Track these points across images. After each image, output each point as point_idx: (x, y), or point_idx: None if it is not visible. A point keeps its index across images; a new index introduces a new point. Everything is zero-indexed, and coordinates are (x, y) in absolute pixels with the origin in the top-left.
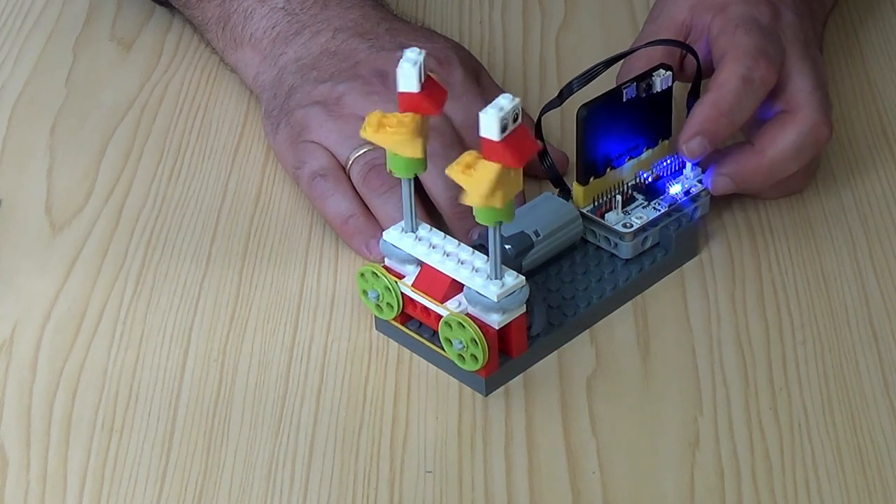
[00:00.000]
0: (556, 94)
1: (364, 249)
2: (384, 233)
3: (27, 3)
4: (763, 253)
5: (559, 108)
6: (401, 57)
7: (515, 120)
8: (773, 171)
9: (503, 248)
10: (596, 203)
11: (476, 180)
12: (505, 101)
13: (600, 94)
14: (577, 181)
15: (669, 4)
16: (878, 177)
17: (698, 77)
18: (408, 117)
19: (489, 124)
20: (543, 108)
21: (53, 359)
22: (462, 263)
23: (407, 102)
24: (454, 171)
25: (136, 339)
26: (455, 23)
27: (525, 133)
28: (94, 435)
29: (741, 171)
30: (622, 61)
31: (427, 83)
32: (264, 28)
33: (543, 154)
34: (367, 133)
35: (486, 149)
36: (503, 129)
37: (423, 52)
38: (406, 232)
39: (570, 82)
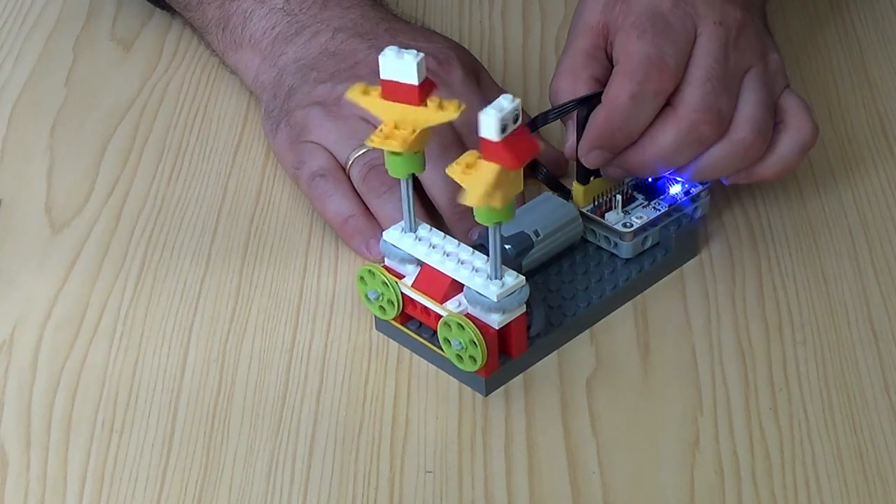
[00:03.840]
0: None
1: (364, 249)
2: (384, 233)
3: (27, 3)
4: (763, 253)
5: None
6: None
7: (516, 121)
8: (655, 167)
9: (503, 248)
10: (596, 203)
11: (475, 180)
12: (505, 102)
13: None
14: (577, 181)
15: (583, 6)
16: (878, 177)
17: None
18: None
19: (489, 125)
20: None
21: (53, 359)
22: (462, 263)
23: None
24: (455, 171)
25: (136, 339)
26: (455, 23)
27: (525, 134)
28: (94, 435)
29: (624, 159)
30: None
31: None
32: (264, 29)
33: (535, 164)
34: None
35: (485, 149)
36: (503, 129)
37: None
38: (406, 232)
39: (546, 113)
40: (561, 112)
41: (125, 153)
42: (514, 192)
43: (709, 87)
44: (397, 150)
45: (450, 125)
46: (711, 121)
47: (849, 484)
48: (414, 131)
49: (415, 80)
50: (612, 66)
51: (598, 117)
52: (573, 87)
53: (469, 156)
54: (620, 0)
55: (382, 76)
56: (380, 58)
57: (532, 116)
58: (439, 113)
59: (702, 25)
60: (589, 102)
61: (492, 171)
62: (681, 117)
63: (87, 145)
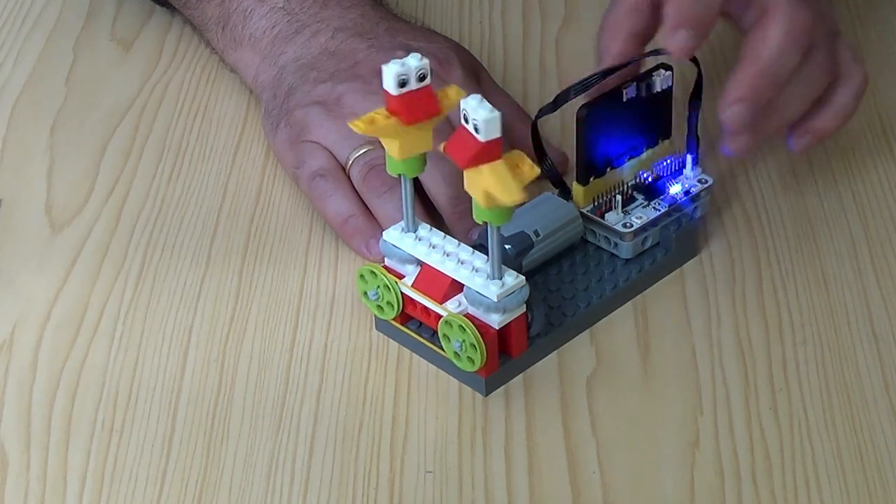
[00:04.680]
0: (554, 96)
1: (364, 249)
2: (384, 233)
3: (27, 3)
4: (763, 253)
5: (556, 110)
6: (400, 57)
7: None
8: (775, 71)
9: (503, 248)
10: (596, 203)
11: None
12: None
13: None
14: (577, 181)
15: None
16: (878, 177)
17: (700, 78)
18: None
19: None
20: (538, 113)
21: (53, 359)
22: (462, 263)
23: (387, 102)
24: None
25: (136, 339)
26: (455, 23)
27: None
28: (94, 435)
29: (745, 86)
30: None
31: (415, 93)
32: (264, 28)
33: (542, 156)
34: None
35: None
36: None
37: (426, 60)
38: (406, 232)
39: (567, 89)
40: (583, 87)
41: (125, 153)
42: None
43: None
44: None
45: (450, 125)
46: (806, 10)
47: (849, 484)
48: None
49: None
50: (655, 22)
51: (746, 68)
52: (610, 43)
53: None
54: None
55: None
56: (383, 67)
57: (533, 117)
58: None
59: None
60: (611, 73)
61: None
62: (777, 11)
63: (87, 145)
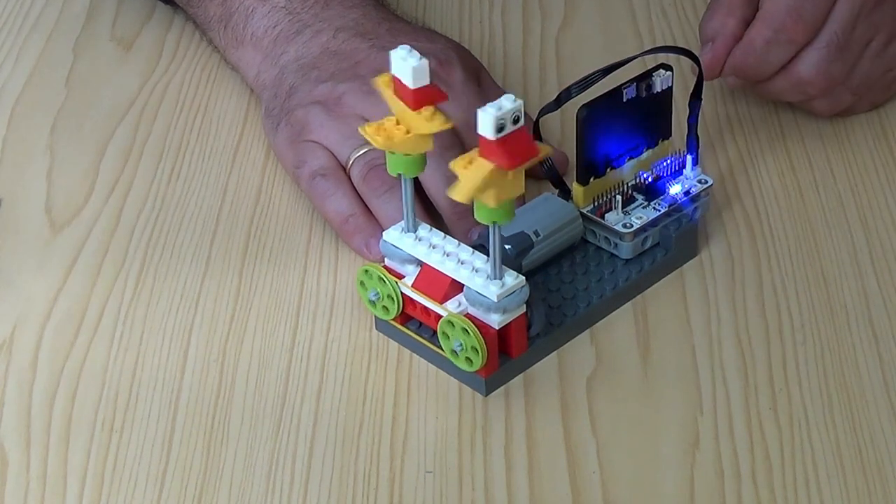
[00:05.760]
0: (555, 95)
1: (364, 249)
2: (384, 233)
3: (27, 3)
4: (763, 253)
5: (559, 108)
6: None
7: (515, 122)
8: (777, 34)
9: (503, 248)
10: (596, 203)
11: (469, 175)
12: (507, 102)
13: (600, 94)
14: (577, 181)
15: None
16: (878, 177)
17: (700, 79)
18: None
19: (486, 122)
20: (540, 111)
21: (53, 359)
22: (462, 263)
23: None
24: (457, 165)
25: (136, 339)
26: (455, 23)
27: (524, 137)
28: (94, 435)
29: (758, 89)
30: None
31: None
32: (265, 27)
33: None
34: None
35: (482, 147)
36: (499, 129)
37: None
38: (406, 232)
39: (569, 87)
40: (585, 85)
41: (125, 153)
42: (512, 195)
43: (824, 53)
44: (379, 146)
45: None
46: (820, 83)
47: (849, 484)
48: (406, 132)
49: (410, 83)
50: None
51: (736, 54)
52: (724, 20)
53: (473, 152)
54: None
55: (392, 71)
56: (391, 53)
57: (534, 118)
58: (424, 123)
59: None
60: (612, 70)
61: (485, 169)
62: (792, 72)
63: (87, 145)
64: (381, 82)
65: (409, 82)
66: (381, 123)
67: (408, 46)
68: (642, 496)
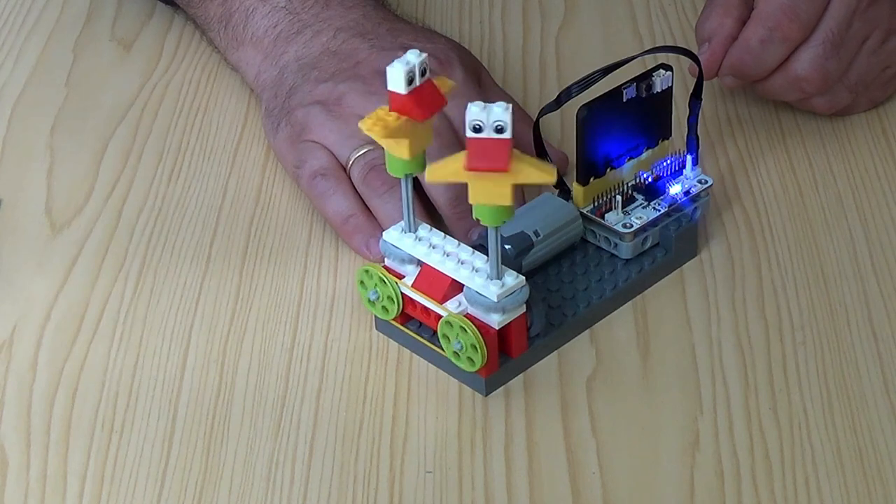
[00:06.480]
0: (555, 95)
1: (364, 249)
2: (384, 233)
3: (27, 3)
4: (763, 253)
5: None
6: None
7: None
8: (771, 32)
9: (503, 248)
10: (596, 203)
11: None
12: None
13: (600, 94)
14: (577, 181)
15: None
16: (878, 177)
17: (700, 78)
18: (392, 116)
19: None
20: (540, 112)
21: (53, 359)
22: (462, 263)
23: (394, 102)
24: (365, 123)
25: (136, 339)
26: (455, 23)
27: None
28: (94, 435)
29: (755, 88)
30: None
31: (421, 88)
32: (266, 27)
33: (543, 156)
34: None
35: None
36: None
37: (424, 55)
38: (406, 232)
39: (569, 87)
40: (584, 85)
41: (125, 153)
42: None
43: (820, 51)
44: (379, 137)
45: (449, 125)
46: (816, 81)
47: (849, 484)
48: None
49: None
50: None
51: (733, 54)
52: (720, 20)
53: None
54: None
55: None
56: (387, 69)
57: (534, 118)
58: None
59: None
60: (612, 70)
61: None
62: (789, 71)
63: (87, 145)
64: (365, 127)
65: (402, 88)
66: (375, 114)
67: (399, 58)
68: (642, 496)
